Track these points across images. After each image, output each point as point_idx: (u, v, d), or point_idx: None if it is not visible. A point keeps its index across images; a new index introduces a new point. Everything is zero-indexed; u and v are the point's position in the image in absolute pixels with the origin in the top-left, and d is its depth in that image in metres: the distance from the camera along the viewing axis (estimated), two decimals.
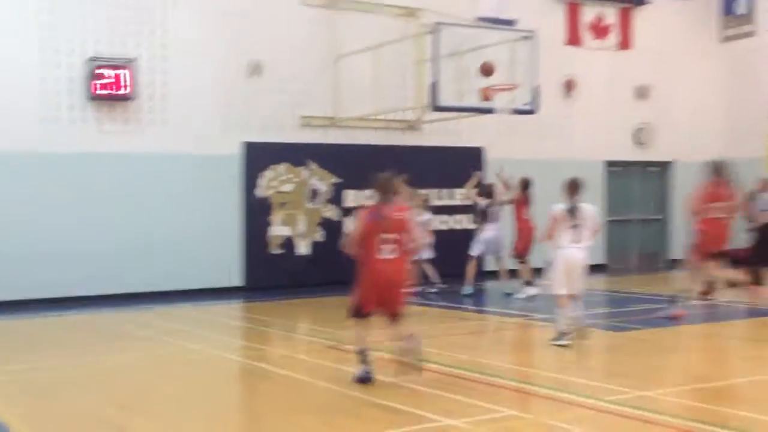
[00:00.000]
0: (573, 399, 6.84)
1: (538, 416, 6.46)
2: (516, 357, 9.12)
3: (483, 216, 14.49)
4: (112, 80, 14.69)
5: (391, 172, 7.95)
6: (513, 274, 14.50)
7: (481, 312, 12.38)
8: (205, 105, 15.70)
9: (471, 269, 14.46)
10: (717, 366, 8.59)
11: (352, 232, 7.89)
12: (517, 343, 10.37)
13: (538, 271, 13.99)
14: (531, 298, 13.38)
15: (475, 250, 14.53)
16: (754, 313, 12.35)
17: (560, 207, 9.40)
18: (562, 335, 9.23)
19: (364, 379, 7.56)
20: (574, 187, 9.39)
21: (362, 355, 7.66)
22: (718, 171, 11.58)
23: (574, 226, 9.27)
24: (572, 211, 9.28)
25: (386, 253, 7.53)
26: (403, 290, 7.80)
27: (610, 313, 12.47)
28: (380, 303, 7.62)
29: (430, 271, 14.82)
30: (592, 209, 9.47)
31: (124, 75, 14.77)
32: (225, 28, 15.95)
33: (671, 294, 11.92)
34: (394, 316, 7.66)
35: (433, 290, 14.59)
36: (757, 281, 13.29)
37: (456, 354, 9.18)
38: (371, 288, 7.59)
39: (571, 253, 9.25)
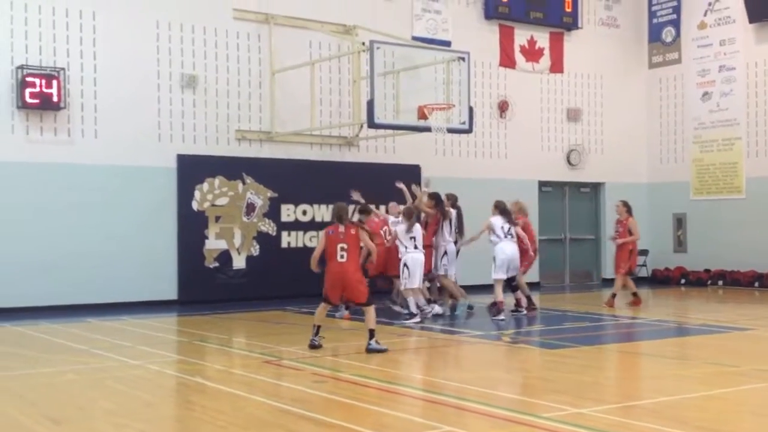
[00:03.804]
0: (510, 415, 6.89)
1: None
2: (451, 373, 9.17)
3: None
4: (41, 89, 14.41)
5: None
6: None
7: (415, 329, 12.40)
8: (138, 117, 15.50)
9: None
10: (646, 384, 8.77)
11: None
12: (452, 360, 10.43)
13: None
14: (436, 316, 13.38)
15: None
16: (674, 332, 12.71)
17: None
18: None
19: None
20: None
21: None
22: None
23: (412, 237, 12.87)
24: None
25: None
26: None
27: (543, 330, 12.64)
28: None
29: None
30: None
31: (54, 84, 14.49)
32: (158, 40, 15.78)
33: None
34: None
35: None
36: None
37: (392, 369, 9.20)
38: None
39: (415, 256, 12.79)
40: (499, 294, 13.45)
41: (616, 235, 15.17)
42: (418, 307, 12.92)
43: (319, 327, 10.18)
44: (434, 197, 13.79)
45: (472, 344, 11.16)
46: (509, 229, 13.61)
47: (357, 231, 10.17)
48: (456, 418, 6.99)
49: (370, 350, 9.86)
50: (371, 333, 9.94)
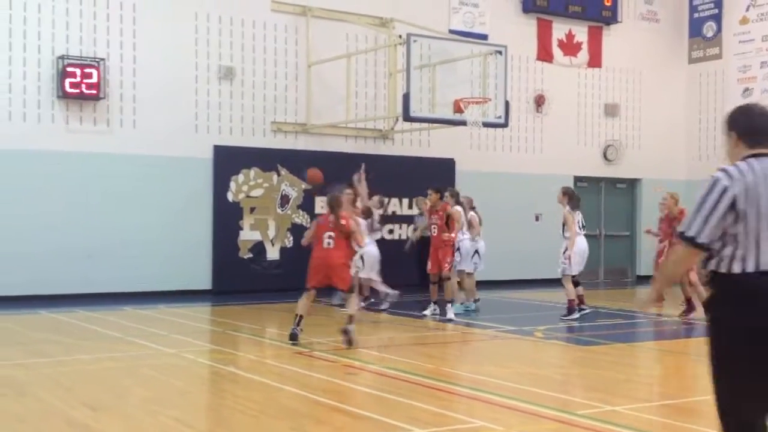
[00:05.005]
0: (543, 411, 6.87)
1: (507, 428, 6.45)
2: (483, 367, 9.15)
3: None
4: (81, 80, 14.58)
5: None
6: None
7: (447, 322, 12.39)
8: (175, 107, 15.62)
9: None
10: (681, 382, 8.70)
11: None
12: (484, 354, 10.41)
13: None
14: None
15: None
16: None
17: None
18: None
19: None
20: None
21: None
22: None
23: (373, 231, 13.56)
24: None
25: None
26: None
27: (576, 326, 12.57)
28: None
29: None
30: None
31: (93, 74, 14.66)
32: (197, 32, 15.90)
33: None
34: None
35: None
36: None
37: (424, 363, 9.21)
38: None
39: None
40: (572, 291, 12.85)
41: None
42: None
43: (301, 317, 10.06)
44: (438, 191, 13.23)
45: (505, 339, 11.13)
46: (581, 219, 13.07)
47: (348, 222, 10.32)
48: (487, 412, 6.99)
49: (345, 331, 9.88)
50: (351, 318, 9.94)
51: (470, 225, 13.97)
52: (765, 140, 4.04)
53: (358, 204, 13.68)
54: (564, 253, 12.75)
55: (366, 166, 14.42)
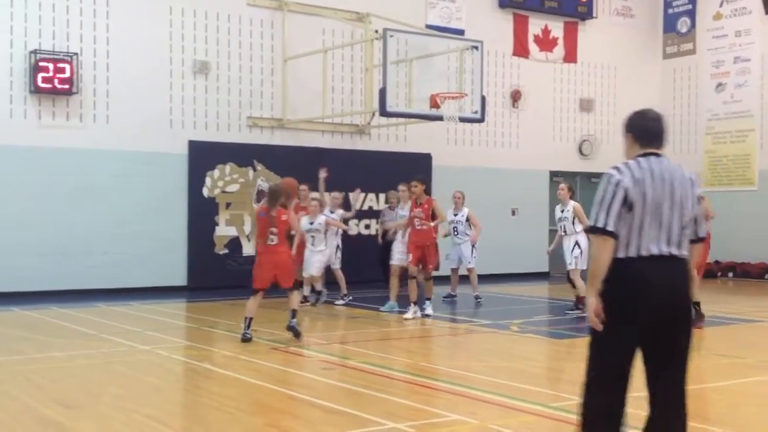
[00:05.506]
0: (518, 404, 6.90)
1: (484, 421, 6.47)
2: (460, 361, 9.17)
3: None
4: (54, 74, 14.43)
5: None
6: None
7: (424, 317, 12.41)
8: (150, 102, 15.50)
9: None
10: None
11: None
12: (461, 348, 10.44)
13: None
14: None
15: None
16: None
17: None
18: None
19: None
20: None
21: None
22: None
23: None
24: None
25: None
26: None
27: (552, 320, 12.63)
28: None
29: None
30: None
31: (66, 69, 14.51)
32: (171, 26, 15.79)
33: None
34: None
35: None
36: None
37: (400, 357, 9.21)
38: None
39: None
40: (582, 287, 12.32)
41: None
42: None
43: (251, 319, 9.91)
44: (424, 182, 12.78)
45: (481, 333, 11.16)
46: None
47: (288, 216, 10.13)
48: (464, 406, 7.00)
49: (290, 328, 9.97)
50: (294, 313, 10.03)
51: (468, 219, 14.20)
52: (655, 142, 4.64)
53: (313, 202, 13.64)
54: (575, 248, 12.58)
55: (327, 167, 14.38)
